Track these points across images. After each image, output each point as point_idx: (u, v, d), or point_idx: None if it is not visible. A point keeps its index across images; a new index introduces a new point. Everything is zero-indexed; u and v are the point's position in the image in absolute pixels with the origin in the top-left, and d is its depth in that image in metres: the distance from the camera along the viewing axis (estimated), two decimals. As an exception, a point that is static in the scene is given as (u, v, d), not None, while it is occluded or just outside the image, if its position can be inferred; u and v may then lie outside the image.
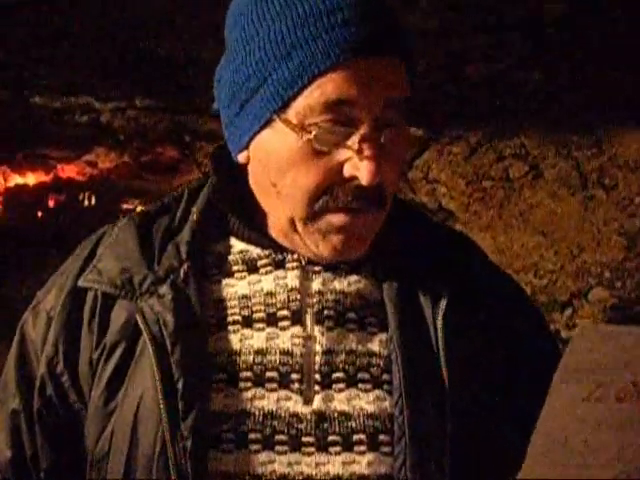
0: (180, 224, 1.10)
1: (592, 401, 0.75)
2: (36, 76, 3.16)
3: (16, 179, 4.77)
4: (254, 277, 1.07)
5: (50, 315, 1.09)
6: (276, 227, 1.07)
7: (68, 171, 4.76)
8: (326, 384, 1.02)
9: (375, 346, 1.04)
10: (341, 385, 1.02)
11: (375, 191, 1.00)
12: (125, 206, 5.09)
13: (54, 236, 4.66)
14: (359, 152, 0.98)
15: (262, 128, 1.02)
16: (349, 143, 0.99)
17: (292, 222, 1.04)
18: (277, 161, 1.01)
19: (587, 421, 0.74)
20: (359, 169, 0.98)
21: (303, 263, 1.06)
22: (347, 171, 0.99)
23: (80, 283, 1.08)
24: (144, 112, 3.65)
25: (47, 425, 1.08)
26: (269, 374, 1.02)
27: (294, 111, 0.98)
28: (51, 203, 5.08)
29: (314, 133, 0.97)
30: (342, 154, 0.99)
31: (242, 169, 1.09)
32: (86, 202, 5.06)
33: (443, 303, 1.03)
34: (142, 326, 1.01)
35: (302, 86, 0.97)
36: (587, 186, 3.62)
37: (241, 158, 1.07)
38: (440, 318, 1.03)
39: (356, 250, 1.04)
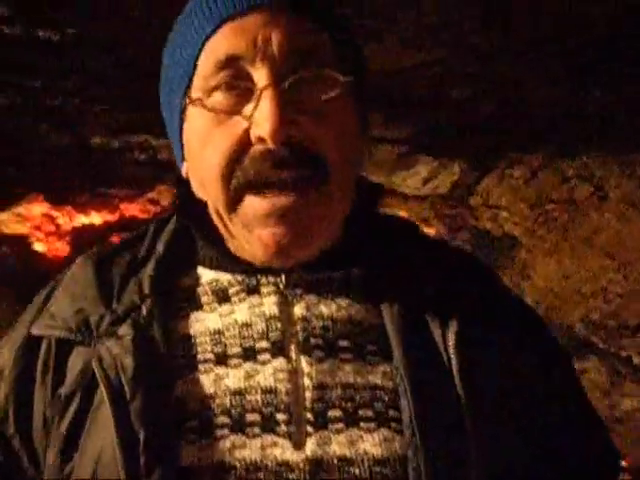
0: (144, 259, 1.00)
1: None
2: (94, 117, 3.21)
3: (81, 219, 4.88)
4: (226, 307, 0.94)
5: (2, 372, 0.98)
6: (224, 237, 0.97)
7: (131, 209, 4.85)
8: (320, 424, 0.86)
9: (377, 378, 0.89)
10: (339, 425, 0.86)
11: (298, 153, 0.86)
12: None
13: None
14: (256, 105, 0.86)
15: (182, 124, 0.95)
16: (250, 104, 0.88)
17: (220, 217, 0.93)
18: (195, 148, 0.92)
19: None
20: (259, 125, 0.86)
21: (281, 287, 0.93)
22: (252, 134, 0.88)
23: (32, 330, 0.97)
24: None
25: None
26: (250, 417, 0.86)
27: (196, 86, 0.92)
28: (116, 241, 5.17)
29: (212, 99, 0.89)
30: (245, 116, 0.89)
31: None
32: (149, 239, 5.15)
33: (455, 325, 0.90)
34: (97, 372, 0.88)
35: (196, 56, 0.91)
36: (655, 206, 3.51)
37: (183, 172, 0.99)
38: (452, 340, 0.89)
39: (300, 246, 0.90)
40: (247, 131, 0.87)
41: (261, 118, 0.84)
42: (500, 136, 3.57)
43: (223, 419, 0.86)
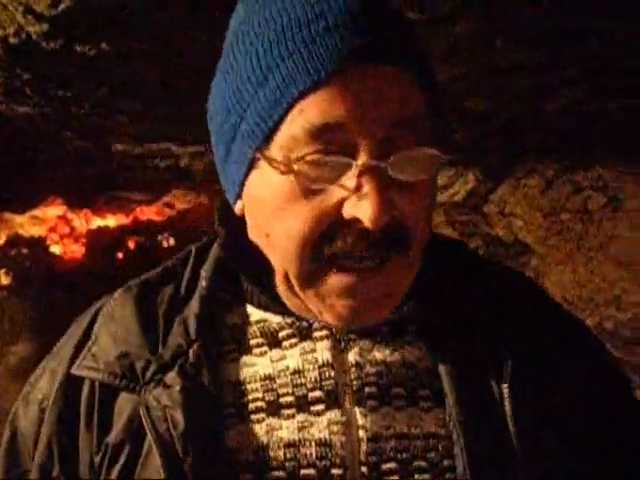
0: (187, 293, 0.94)
1: None
2: (118, 125, 3.27)
3: (97, 222, 4.95)
4: (277, 352, 0.90)
5: (42, 406, 0.93)
6: (279, 288, 0.90)
7: (147, 213, 4.91)
8: (375, 478, 0.84)
9: (431, 426, 0.86)
10: (394, 477, 0.84)
11: (389, 235, 0.80)
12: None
13: (135, 276, 4.82)
14: (358, 187, 0.78)
15: (249, 171, 0.85)
16: (345, 177, 0.79)
17: (288, 280, 0.86)
18: (266, 207, 0.84)
19: None
20: (360, 209, 0.78)
21: (334, 331, 0.89)
22: (347, 211, 0.79)
23: (74, 371, 0.91)
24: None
25: None
26: (305, 472, 0.84)
27: (277, 145, 0.80)
28: (131, 244, 5.21)
29: (300, 168, 0.79)
30: (339, 191, 0.80)
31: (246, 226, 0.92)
32: (165, 243, 5.17)
33: (509, 366, 0.86)
34: (147, 425, 0.84)
35: (282, 113, 0.79)
36: (668, 216, 3.52)
37: (237, 209, 0.90)
38: (507, 386, 0.85)
39: (374, 315, 0.85)
40: (339, 206, 0.80)
41: (364, 203, 0.77)
42: (515, 146, 3.60)
43: (277, 473, 0.84)
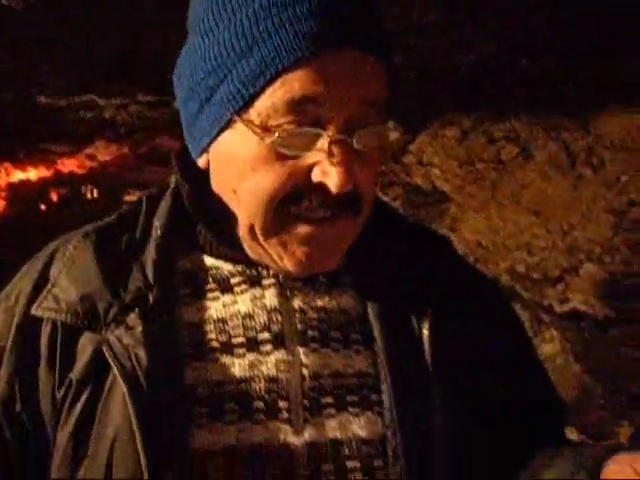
0: (143, 239, 0.99)
1: None
2: (42, 77, 3.26)
3: (18, 174, 4.90)
4: (229, 298, 0.97)
5: (0, 345, 0.97)
6: (241, 238, 0.98)
7: (69, 165, 4.87)
8: (315, 411, 0.93)
9: (362, 365, 0.96)
10: (331, 410, 0.94)
11: (348, 198, 0.90)
12: (127, 197, 5.19)
13: (59, 229, 4.79)
14: (329, 156, 0.87)
15: (222, 130, 0.92)
16: (317, 146, 0.88)
17: (252, 231, 0.94)
18: (238, 165, 0.91)
19: None
20: (329, 175, 0.88)
21: (281, 279, 0.98)
22: (315, 176, 0.89)
23: (34, 311, 0.96)
24: (147, 107, 3.75)
25: (6, 473, 0.96)
26: (255, 404, 0.92)
27: (256, 111, 0.88)
28: (54, 197, 5.18)
29: (278, 135, 0.87)
30: (309, 158, 0.89)
31: (203, 173, 0.99)
32: (89, 195, 5.16)
33: (429, 313, 0.97)
34: (112, 361, 0.90)
35: (265, 83, 0.87)
36: (576, 166, 3.69)
37: (201, 162, 0.97)
38: (426, 328, 0.96)
39: (326, 263, 0.95)
40: (308, 171, 0.89)
41: (332, 170, 0.87)
42: (433, 99, 3.70)
43: (231, 405, 0.92)
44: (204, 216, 0.98)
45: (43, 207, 5.29)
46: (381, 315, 0.96)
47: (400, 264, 1.00)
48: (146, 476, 0.86)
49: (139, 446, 0.87)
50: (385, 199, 4.55)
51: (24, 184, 5.11)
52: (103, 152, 4.85)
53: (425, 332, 0.96)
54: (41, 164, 4.89)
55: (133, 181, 5.22)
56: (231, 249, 0.97)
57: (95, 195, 5.31)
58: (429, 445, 0.92)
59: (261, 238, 0.93)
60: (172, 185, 1.01)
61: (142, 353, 0.90)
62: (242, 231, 0.95)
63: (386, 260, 1.00)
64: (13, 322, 0.97)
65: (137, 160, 4.85)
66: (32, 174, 5.04)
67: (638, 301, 3.59)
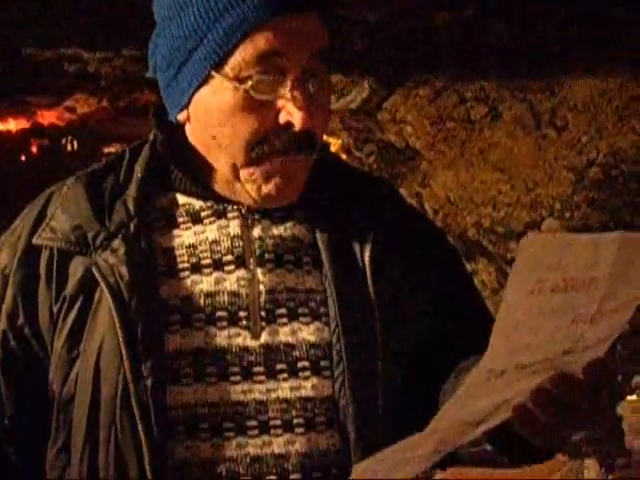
0: (125, 181, 1.14)
1: (534, 294, 0.83)
2: (28, 29, 3.34)
3: (-2, 126, 4.95)
4: (199, 227, 1.13)
5: (5, 273, 1.13)
6: (219, 179, 1.13)
7: (48, 117, 4.93)
8: (271, 320, 1.10)
9: (312, 283, 1.12)
10: (284, 320, 1.10)
11: (306, 136, 1.06)
12: (107, 150, 5.29)
13: (39, 179, 4.88)
14: (292, 99, 1.04)
15: (201, 85, 1.08)
16: (281, 91, 1.05)
17: (234, 169, 1.10)
18: (217, 114, 1.07)
19: (531, 310, 0.84)
20: (293, 115, 1.05)
21: (243, 212, 1.13)
22: (282, 118, 1.06)
23: (35, 241, 1.12)
24: (130, 61, 3.83)
25: (11, 375, 1.12)
26: (219, 314, 1.09)
27: (230, 66, 1.05)
28: (34, 148, 5.26)
29: (250, 83, 1.04)
30: (276, 103, 1.06)
31: (179, 129, 1.14)
32: (69, 147, 5.24)
33: (369, 242, 1.12)
34: (99, 278, 1.07)
35: (236, 42, 1.04)
36: (540, 126, 3.85)
37: (181, 117, 1.12)
38: (367, 254, 1.11)
39: (294, 191, 1.11)
40: (276, 115, 1.06)
41: (295, 110, 1.04)
42: (407, 58, 3.82)
43: (199, 315, 1.09)
44: (178, 161, 1.15)
45: (23, 158, 5.37)
46: (329, 243, 1.12)
47: (346, 202, 1.16)
48: (128, 371, 1.04)
49: (121, 346, 1.04)
50: (360, 154, 4.69)
51: (4, 135, 5.16)
52: (83, 105, 4.90)
53: (367, 256, 1.11)
54: (21, 116, 4.93)
55: (112, 134, 5.30)
56: (202, 188, 1.14)
57: (75, 147, 5.40)
58: (369, 351, 1.08)
59: (242, 174, 1.10)
60: (151, 138, 1.17)
61: (124, 270, 1.07)
62: (225, 171, 1.11)
63: (334, 198, 1.16)
64: (17, 253, 1.13)
65: (116, 113, 4.91)
66: (12, 125, 5.08)
67: None
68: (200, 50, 1.06)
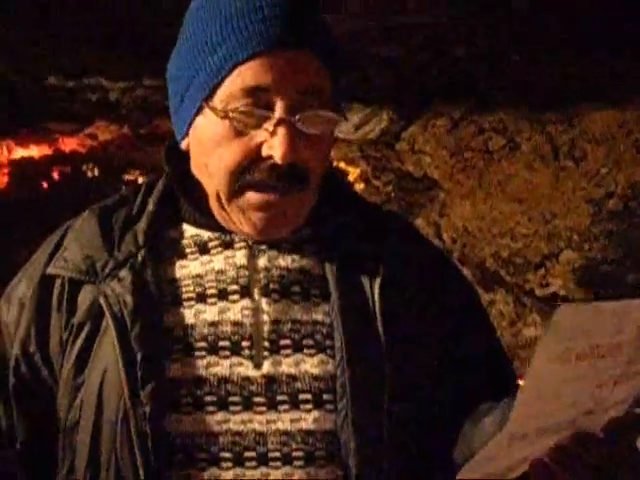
0: (137, 214, 1.17)
1: (561, 362, 0.85)
2: (53, 59, 3.40)
3: (20, 152, 5.01)
4: (206, 257, 1.15)
5: (22, 302, 1.17)
6: (213, 207, 1.15)
7: (69, 144, 4.98)
8: (274, 350, 1.10)
9: (318, 315, 1.12)
10: (288, 351, 1.10)
11: (293, 171, 1.08)
12: (127, 177, 5.34)
13: (61, 206, 4.92)
14: (273, 133, 1.06)
15: (196, 115, 1.12)
16: (266, 126, 1.07)
17: (219, 199, 1.12)
18: (207, 143, 1.11)
19: (556, 378, 0.86)
20: (273, 149, 1.06)
21: (250, 243, 1.14)
22: (264, 151, 1.08)
23: (49, 270, 1.16)
24: (151, 90, 3.88)
25: (22, 400, 1.16)
26: (222, 343, 1.10)
27: (219, 98, 1.09)
28: (56, 175, 5.31)
29: (234, 116, 1.07)
30: (260, 135, 1.08)
31: (190, 161, 1.18)
32: (90, 173, 5.29)
33: (380, 276, 1.12)
34: (105, 306, 1.10)
35: (225, 75, 1.07)
36: (559, 158, 3.84)
37: (184, 145, 1.16)
38: (377, 289, 1.11)
39: (279, 228, 1.12)
40: (259, 147, 1.08)
41: (277, 144, 1.06)
42: (425, 89, 3.84)
43: (201, 344, 1.10)
44: (186, 193, 1.18)
45: (45, 185, 5.41)
46: (337, 275, 1.13)
47: (358, 234, 1.17)
48: (127, 397, 1.06)
49: (121, 374, 1.07)
50: (378, 183, 4.70)
51: (26, 162, 5.20)
52: (104, 132, 4.95)
53: (376, 290, 1.11)
54: (43, 142, 4.97)
55: (133, 161, 5.34)
56: (209, 219, 1.17)
57: (96, 174, 5.44)
58: (374, 386, 1.07)
59: (225, 204, 1.13)
60: (166, 172, 1.22)
61: (129, 298, 1.10)
62: (212, 199, 1.14)
63: (346, 231, 1.17)
64: (33, 282, 1.18)
65: (137, 140, 4.95)
66: (34, 152, 5.12)
67: (613, 286, 3.73)
68: (195, 82, 1.11)
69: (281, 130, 1.07)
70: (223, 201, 1.12)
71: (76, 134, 4.79)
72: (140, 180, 5.38)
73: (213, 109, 1.09)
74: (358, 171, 5.07)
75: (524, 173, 3.89)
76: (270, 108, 1.08)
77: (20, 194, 5.10)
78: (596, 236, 3.78)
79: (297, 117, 1.07)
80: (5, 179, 5.12)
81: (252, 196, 1.10)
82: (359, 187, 5.08)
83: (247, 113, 1.08)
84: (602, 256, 3.77)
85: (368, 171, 4.73)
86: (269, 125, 1.07)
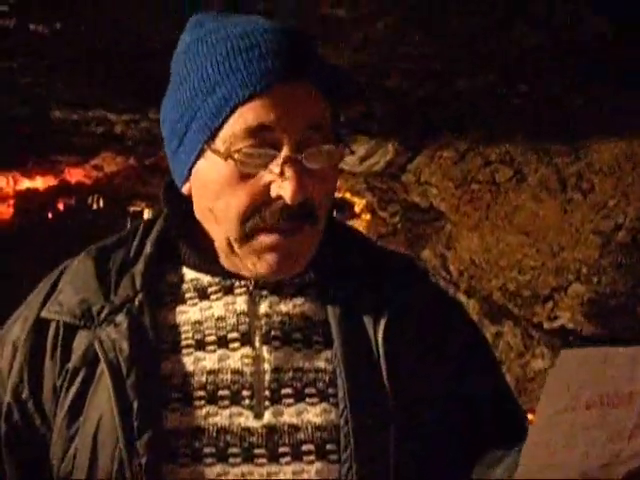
0: (135, 256, 1.15)
1: (568, 411, 0.83)
2: (58, 93, 3.42)
3: (25, 183, 5.04)
4: (205, 303, 1.12)
5: (15, 345, 1.13)
6: (220, 252, 1.12)
7: (75, 175, 5.02)
8: (275, 400, 1.07)
9: (321, 362, 1.09)
10: (290, 400, 1.07)
11: (303, 209, 1.05)
12: (132, 209, 5.34)
13: (66, 237, 4.92)
14: (281, 174, 1.03)
15: (197, 159, 1.07)
16: (272, 166, 1.04)
17: (229, 243, 1.09)
18: (211, 187, 1.07)
19: (563, 427, 0.83)
20: (283, 189, 1.03)
21: (250, 288, 1.12)
22: (273, 191, 1.04)
23: (43, 314, 1.13)
24: (156, 123, 3.89)
25: (14, 449, 1.12)
26: (221, 392, 1.07)
27: (221, 140, 1.04)
28: (61, 206, 5.32)
29: (238, 158, 1.03)
30: (267, 176, 1.04)
31: (190, 203, 1.14)
32: (95, 205, 5.30)
33: (383, 321, 1.09)
34: (100, 353, 1.06)
35: (225, 116, 1.04)
36: (566, 190, 3.84)
37: (185, 190, 1.12)
38: (381, 335, 1.09)
39: (291, 268, 1.10)
40: (267, 187, 1.05)
41: (286, 185, 1.03)
42: (431, 121, 3.84)
43: (200, 393, 1.07)
44: (186, 236, 1.15)
45: (50, 216, 5.43)
46: (340, 321, 1.10)
47: (362, 278, 1.15)
48: (123, 447, 1.02)
49: (117, 423, 1.03)
50: (384, 214, 4.70)
51: (31, 193, 5.22)
52: (110, 163, 4.98)
53: (380, 336, 1.09)
54: (49, 174, 5.01)
55: (138, 192, 5.35)
56: (209, 263, 1.14)
57: (101, 205, 5.45)
58: (379, 434, 1.05)
59: (237, 248, 1.09)
60: (164, 212, 1.19)
61: (125, 345, 1.07)
62: (220, 245, 1.11)
63: (348, 275, 1.14)
64: (27, 325, 1.14)
65: (142, 172, 4.97)
66: (39, 183, 5.16)
67: (623, 319, 3.71)
68: (195, 124, 1.07)
69: (289, 170, 1.04)
70: (234, 246, 1.09)
71: (81, 165, 4.84)
72: (145, 212, 5.36)
73: (216, 151, 1.06)
74: (364, 202, 5.08)
75: (531, 205, 3.88)
76: (275, 146, 1.05)
77: (25, 225, 5.12)
78: (605, 269, 3.77)
79: (303, 155, 1.05)
80: (11, 210, 5.15)
81: (265, 239, 1.07)
82: (365, 218, 5.08)
83: (251, 154, 1.04)
84: (611, 289, 3.76)
85: (374, 202, 4.74)
86: (275, 165, 1.04)
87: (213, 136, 1.05)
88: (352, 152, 1.09)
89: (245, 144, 1.04)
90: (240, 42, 1.05)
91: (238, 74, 1.04)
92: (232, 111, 1.04)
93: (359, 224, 4.77)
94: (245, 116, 1.04)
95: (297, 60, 1.06)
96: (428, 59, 3.27)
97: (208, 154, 1.07)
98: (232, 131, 1.04)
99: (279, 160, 1.04)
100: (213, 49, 1.06)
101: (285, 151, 1.04)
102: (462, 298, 4.00)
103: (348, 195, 5.05)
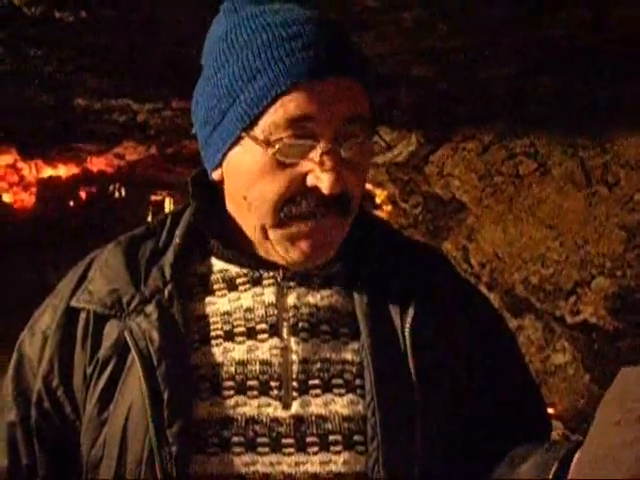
0: (164, 247, 1.17)
1: (620, 425, 0.84)
2: (82, 81, 3.44)
3: (48, 171, 5.08)
4: (234, 294, 1.14)
5: (46, 334, 1.15)
6: (252, 239, 1.13)
7: (97, 163, 5.05)
8: (303, 390, 1.08)
9: (348, 354, 1.10)
10: (317, 391, 1.08)
11: (338, 199, 1.06)
12: (153, 197, 5.36)
13: (87, 225, 4.94)
14: (320, 164, 1.04)
15: (233, 146, 1.08)
16: (311, 156, 1.04)
17: (264, 230, 1.09)
18: (247, 175, 1.07)
19: (614, 442, 0.84)
20: (320, 180, 1.04)
21: (279, 280, 1.13)
22: (310, 181, 1.05)
23: (73, 303, 1.14)
24: (179, 112, 3.90)
25: (44, 436, 1.14)
26: (250, 383, 1.08)
27: (260, 128, 1.04)
28: (83, 194, 5.35)
29: (278, 147, 1.04)
30: (305, 166, 1.05)
31: (219, 192, 1.16)
32: (116, 193, 5.33)
33: (411, 312, 1.11)
34: (130, 343, 1.08)
35: (267, 105, 1.03)
36: (591, 183, 3.83)
37: (215, 176, 1.13)
38: (408, 326, 1.10)
39: (323, 254, 1.11)
40: (304, 177, 1.06)
41: (324, 175, 1.04)
42: (454, 112, 3.83)
43: (229, 383, 1.08)
44: (214, 227, 1.16)
45: (72, 203, 5.46)
46: (368, 313, 1.11)
47: (389, 270, 1.16)
48: (153, 436, 1.04)
49: (147, 410, 1.04)
50: (405, 205, 4.69)
51: (53, 181, 5.25)
52: (131, 152, 5.01)
53: (407, 328, 1.10)
54: (71, 162, 5.03)
55: (160, 181, 5.37)
56: (238, 254, 1.15)
57: (122, 193, 5.48)
58: (405, 425, 1.06)
59: (271, 235, 1.09)
60: (192, 203, 1.20)
61: (155, 335, 1.08)
62: (253, 231, 1.12)
63: (374, 266, 1.15)
64: (57, 315, 1.15)
65: (164, 161, 4.99)
66: (62, 171, 5.18)
67: None
68: (232, 111, 1.07)
69: (328, 161, 1.04)
70: (268, 232, 1.10)
71: (104, 154, 4.87)
72: (166, 200, 5.37)
73: (254, 139, 1.05)
74: (386, 193, 5.07)
75: (555, 198, 3.88)
76: (314, 137, 1.04)
77: (47, 213, 5.15)
78: (630, 263, 3.76)
79: (342, 147, 1.05)
80: (33, 198, 5.18)
81: (300, 225, 1.07)
82: (387, 209, 5.07)
83: (291, 144, 1.04)
84: (635, 283, 3.75)
85: (396, 194, 4.73)
86: (315, 155, 1.04)
87: (252, 124, 1.05)
88: (389, 147, 1.08)
89: (286, 134, 1.04)
90: (282, 31, 1.05)
91: (280, 63, 1.03)
92: (273, 100, 1.03)
93: (380, 215, 4.77)
94: (287, 106, 1.03)
95: (339, 53, 1.06)
96: (453, 50, 3.27)
97: (245, 141, 1.07)
98: (272, 120, 1.04)
99: (318, 151, 1.04)
100: (254, 37, 1.06)
101: (325, 142, 1.04)
102: (483, 291, 3.99)
103: (370, 186, 5.05)
